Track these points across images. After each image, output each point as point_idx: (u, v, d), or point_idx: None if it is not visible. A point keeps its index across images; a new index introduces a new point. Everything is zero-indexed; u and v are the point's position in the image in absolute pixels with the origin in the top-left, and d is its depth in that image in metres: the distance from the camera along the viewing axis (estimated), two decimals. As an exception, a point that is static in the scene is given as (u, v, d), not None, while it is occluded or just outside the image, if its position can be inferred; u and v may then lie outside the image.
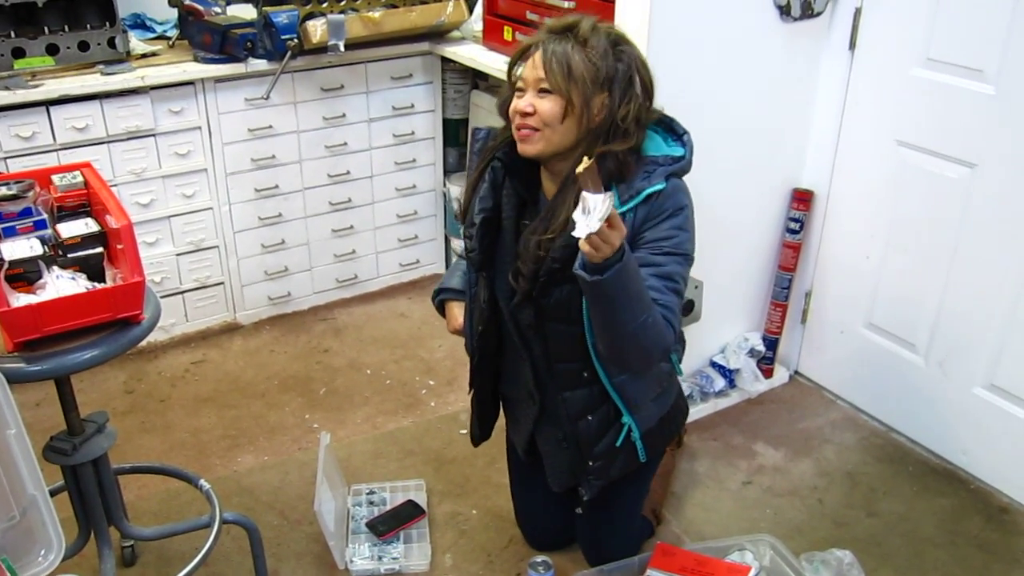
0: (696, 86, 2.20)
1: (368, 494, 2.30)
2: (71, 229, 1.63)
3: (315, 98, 2.93)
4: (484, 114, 3.16)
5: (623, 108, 1.58)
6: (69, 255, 1.60)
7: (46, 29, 2.57)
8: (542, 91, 1.59)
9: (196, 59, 2.75)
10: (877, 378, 2.59)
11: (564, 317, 1.69)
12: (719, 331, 2.66)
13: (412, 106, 3.14)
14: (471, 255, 1.76)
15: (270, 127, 2.89)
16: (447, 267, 3.49)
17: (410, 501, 2.27)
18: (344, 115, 3.01)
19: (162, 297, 2.84)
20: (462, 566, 2.12)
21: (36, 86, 2.48)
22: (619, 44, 1.61)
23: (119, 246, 1.57)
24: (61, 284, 1.54)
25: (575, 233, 1.36)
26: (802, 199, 2.57)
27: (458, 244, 3.36)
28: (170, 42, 2.90)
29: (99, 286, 1.57)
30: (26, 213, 1.62)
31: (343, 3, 2.83)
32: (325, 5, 2.80)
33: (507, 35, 2.81)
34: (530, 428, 1.91)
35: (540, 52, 1.59)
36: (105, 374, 2.81)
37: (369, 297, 3.33)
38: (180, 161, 2.78)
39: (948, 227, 2.28)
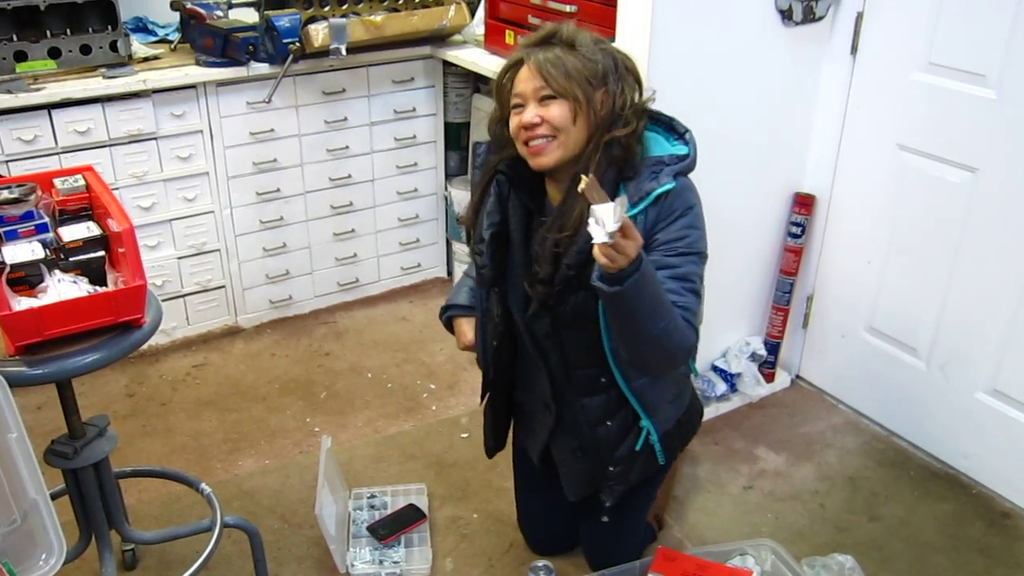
0: (698, 91, 2.20)
1: (369, 498, 2.30)
2: (73, 233, 1.63)
3: (316, 102, 2.93)
4: (486, 117, 3.15)
5: (621, 98, 1.60)
6: (71, 259, 1.60)
7: (48, 32, 2.57)
8: (544, 99, 1.58)
9: (198, 63, 2.75)
10: (879, 382, 2.58)
11: (581, 324, 1.68)
12: (720, 335, 2.66)
13: (414, 110, 3.14)
14: (483, 271, 1.75)
15: (272, 131, 2.89)
16: (448, 271, 3.49)
17: (411, 505, 2.26)
18: (346, 119, 3.01)
19: (163, 300, 2.84)
20: (463, 570, 2.12)
21: (38, 89, 2.49)
22: (600, 41, 1.63)
23: (120, 250, 1.57)
24: (63, 288, 1.54)
25: (594, 237, 1.35)
26: (803, 203, 2.57)
27: (459, 247, 3.36)
28: (172, 46, 2.90)
29: (100, 290, 1.57)
30: (28, 217, 1.62)
31: (345, 7, 2.84)
32: (327, 9, 2.80)
33: (509, 39, 2.81)
34: (545, 438, 1.91)
35: (531, 63, 1.59)
36: (106, 378, 2.81)
37: (370, 301, 3.33)
38: (182, 165, 2.78)
39: (949, 231, 2.28)
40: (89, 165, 1.81)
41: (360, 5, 2.86)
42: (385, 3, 2.91)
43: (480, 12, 3.00)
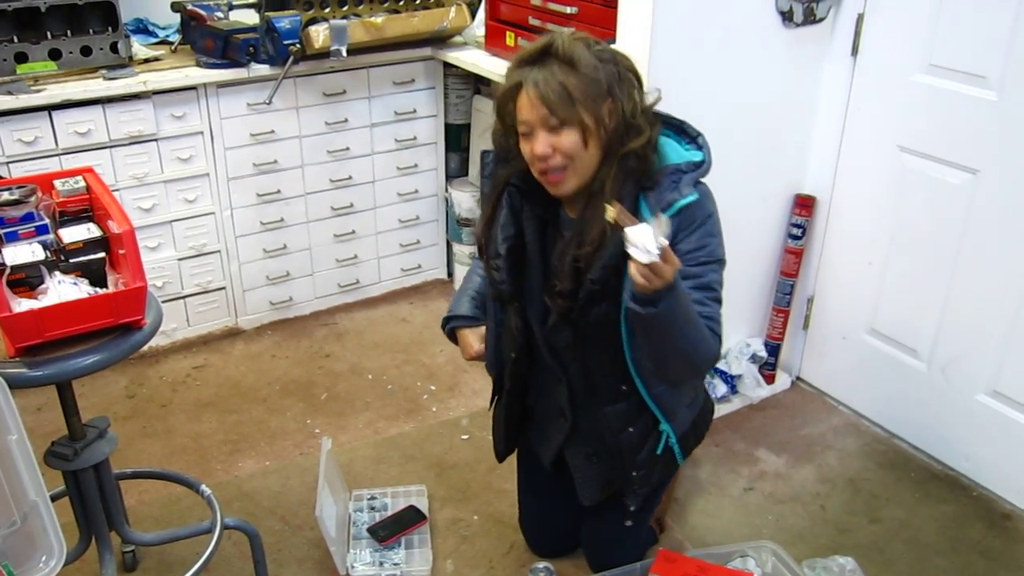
0: (698, 92, 2.19)
1: (369, 499, 2.29)
2: (73, 234, 1.63)
3: (317, 103, 2.93)
4: (486, 119, 3.16)
5: (629, 103, 1.55)
6: (71, 260, 1.60)
7: (49, 34, 2.57)
8: (552, 128, 1.54)
9: (198, 64, 2.75)
10: (879, 384, 2.58)
11: (603, 335, 1.67)
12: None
13: (414, 111, 3.14)
14: (501, 287, 1.73)
15: (272, 132, 2.89)
16: (449, 272, 3.49)
17: (411, 507, 2.26)
18: (346, 120, 3.01)
19: (164, 302, 2.84)
20: (463, 572, 2.11)
21: (39, 91, 2.49)
22: (597, 45, 1.56)
23: (121, 251, 1.57)
24: (63, 289, 1.54)
25: (641, 260, 1.35)
26: (804, 205, 2.56)
27: (459, 249, 3.36)
28: (172, 47, 2.90)
29: (101, 291, 1.57)
30: (28, 218, 1.62)
31: (345, 8, 2.84)
32: (327, 10, 2.80)
33: (509, 40, 2.81)
34: (560, 444, 1.91)
35: (531, 89, 1.52)
36: (107, 379, 2.81)
37: (371, 302, 3.33)
38: (182, 166, 2.78)
39: (950, 233, 2.28)
40: (89, 166, 1.82)
41: (361, 7, 2.86)
42: (386, 4, 2.91)
43: (480, 13, 3.00)
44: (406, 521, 2.21)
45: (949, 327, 2.35)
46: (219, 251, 2.96)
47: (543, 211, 1.71)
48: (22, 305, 1.49)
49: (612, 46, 1.60)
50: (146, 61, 2.75)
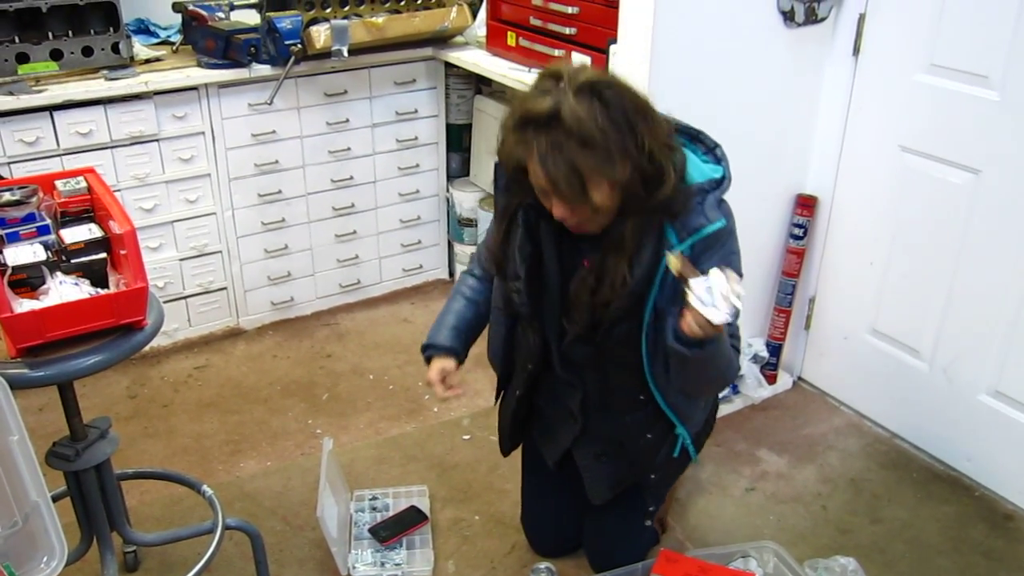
0: (699, 92, 2.19)
1: (371, 500, 2.29)
2: (74, 234, 1.63)
3: (318, 103, 2.93)
4: (488, 119, 3.16)
5: (645, 149, 1.47)
6: (72, 261, 1.60)
7: (50, 34, 2.57)
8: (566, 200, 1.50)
9: (200, 64, 2.75)
10: (881, 384, 2.58)
11: (623, 351, 1.68)
12: (722, 337, 2.66)
13: (415, 111, 3.14)
14: (520, 309, 1.73)
15: (273, 132, 2.89)
16: (450, 272, 3.49)
17: (413, 507, 2.26)
18: (347, 120, 3.01)
19: (165, 302, 2.84)
20: (465, 572, 2.11)
21: (40, 91, 2.49)
22: (602, 94, 1.44)
23: (122, 252, 1.57)
24: (64, 290, 1.54)
25: (715, 321, 1.40)
26: (806, 205, 2.56)
27: (461, 249, 3.36)
28: (174, 47, 2.90)
29: (102, 292, 1.57)
30: (30, 219, 1.62)
31: (346, 8, 2.84)
32: (329, 11, 2.80)
33: (510, 40, 2.81)
34: (568, 445, 1.93)
35: (539, 166, 1.45)
36: (108, 379, 2.81)
37: (372, 302, 3.33)
38: (183, 166, 2.78)
39: (952, 233, 2.27)
40: (91, 167, 1.81)
41: (362, 7, 2.86)
42: (387, 5, 2.91)
43: (482, 13, 3.00)
44: (407, 521, 2.21)
45: (951, 327, 2.35)
46: (220, 251, 2.96)
47: (560, 226, 1.64)
48: (23, 306, 1.49)
49: (617, 78, 1.50)
50: (147, 61, 2.75)
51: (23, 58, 2.53)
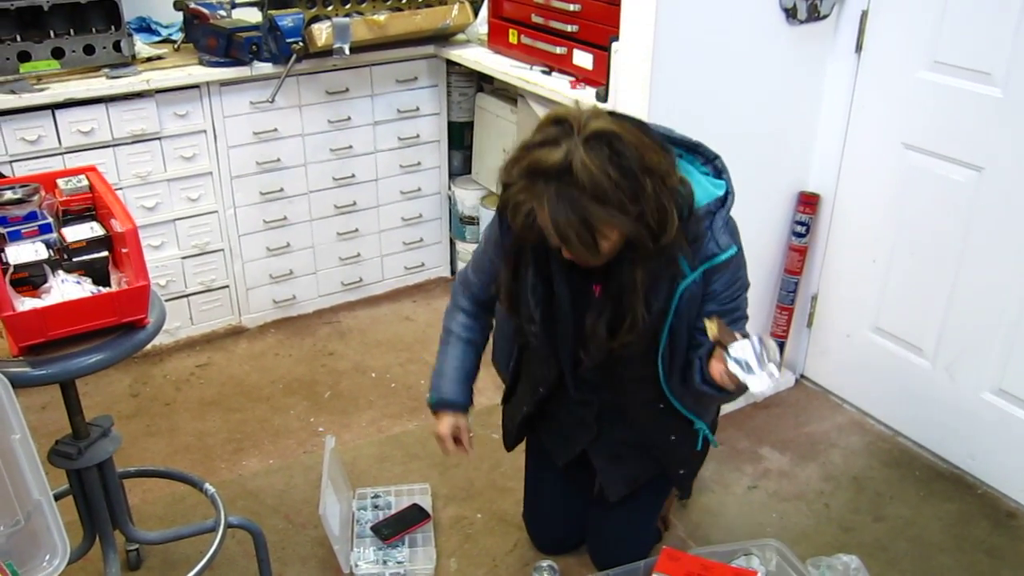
0: (702, 89, 2.19)
1: (373, 498, 2.29)
2: (76, 233, 1.63)
3: (320, 101, 2.93)
4: (489, 117, 3.16)
5: (654, 196, 1.44)
6: (74, 259, 1.60)
7: (51, 33, 2.57)
8: None
9: (201, 62, 2.75)
10: (884, 382, 2.58)
11: (640, 371, 1.71)
12: (725, 335, 2.65)
13: (417, 109, 3.14)
14: (534, 342, 1.73)
15: (275, 130, 2.89)
16: (452, 270, 3.48)
17: (415, 505, 2.26)
18: (349, 118, 3.01)
19: (167, 300, 2.84)
20: (467, 570, 2.11)
21: (41, 90, 2.49)
22: (613, 143, 1.40)
23: (124, 250, 1.57)
24: (66, 288, 1.54)
25: (756, 391, 1.43)
26: (808, 202, 2.56)
27: (462, 247, 3.36)
28: (175, 46, 2.90)
29: (104, 290, 1.57)
30: (31, 217, 1.62)
31: (348, 6, 2.83)
32: (330, 8, 2.80)
33: (512, 38, 2.81)
34: (582, 448, 1.94)
35: (549, 222, 1.42)
36: (110, 378, 2.81)
37: (374, 300, 3.33)
38: (185, 164, 2.78)
39: (955, 230, 2.27)
40: (92, 165, 1.81)
41: (363, 4, 2.86)
42: (388, 2, 2.91)
43: (483, 11, 2.99)
44: (410, 519, 2.21)
45: (954, 325, 2.35)
46: (222, 249, 2.96)
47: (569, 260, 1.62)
48: (25, 304, 1.49)
49: (624, 124, 1.45)
50: (149, 60, 2.75)
51: (25, 56, 2.53)
